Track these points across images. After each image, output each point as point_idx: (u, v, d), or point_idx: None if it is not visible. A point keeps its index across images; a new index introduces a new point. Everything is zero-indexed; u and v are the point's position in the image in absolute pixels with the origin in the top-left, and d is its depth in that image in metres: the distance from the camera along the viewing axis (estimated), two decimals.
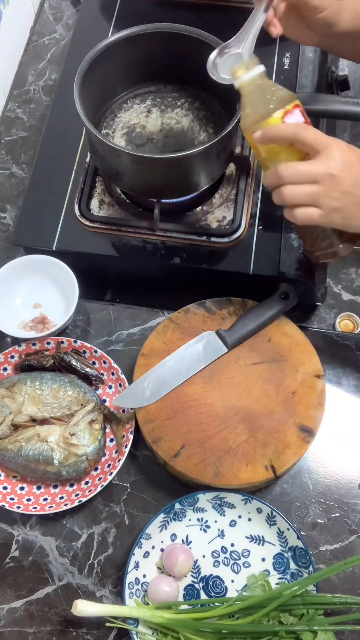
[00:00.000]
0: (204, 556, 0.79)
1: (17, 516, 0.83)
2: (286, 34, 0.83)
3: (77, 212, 0.96)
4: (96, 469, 0.84)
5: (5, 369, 0.90)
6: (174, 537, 0.80)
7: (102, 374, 0.89)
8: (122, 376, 0.87)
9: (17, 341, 0.91)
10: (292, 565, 0.78)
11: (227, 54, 0.79)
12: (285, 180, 0.68)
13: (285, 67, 1.06)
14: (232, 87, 0.75)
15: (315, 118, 0.89)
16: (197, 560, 0.79)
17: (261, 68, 0.74)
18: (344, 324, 0.99)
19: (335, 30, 0.81)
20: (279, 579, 0.77)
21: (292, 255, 0.91)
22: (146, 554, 0.78)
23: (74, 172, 1.00)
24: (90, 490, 0.81)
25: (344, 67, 1.23)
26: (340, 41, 0.84)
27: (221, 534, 0.80)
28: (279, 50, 1.07)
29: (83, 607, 0.72)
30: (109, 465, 0.83)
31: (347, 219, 0.69)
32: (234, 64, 0.75)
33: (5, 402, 0.84)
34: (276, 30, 0.80)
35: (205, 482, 0.78)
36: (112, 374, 0.88)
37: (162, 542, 0.79)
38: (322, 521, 0.82)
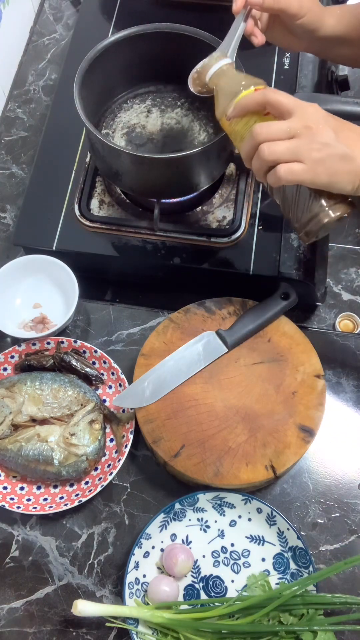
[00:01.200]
0: (204, 556, 0.79)
1: (17, 516, 0.83)
2: (272, 41, 0.84)
3: (77, 212, 0.96)
4: (96, 469, 0.84)
5: (5, 369, 0.90)
6: (174, 537, 0.80)
7: (102, 374, 0.89)
8: (122, 376, 0.87)
9: (17, 341, 0.91)
10: (292, 565, 0.78)
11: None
12: (261, 137, 0.66)
13: (285, 67, 1.06)
14: None
15: None
16: (197, 560, 0.79)
17: (229, 60, 0.77)
18: (344, 324, 0.99)
19: (319, 35, 0.82)
20: (279, 579, 0.77)
21: (292, 255, 0.91)
22: (146, 554, 0.78)
23: (74, 172, 1.00)
24: (90, 490, 0.81)
25: (344, 67, 1.23)
26: (326, 45, 0.85)
27: (221, 534, 0.80)
28: (279, 50, 1.07)
29: (83, 607, 0.72)
30: (109, 465, 0.83)
31: (332, 175, 0.65)
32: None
33: (5, 402, 0.84)
34: (257, 40, 0.81)
35: (205, 482, 0.78)
36: (112, 374, 0.88)
37: (162, 542, 0.79)
38: (322, 521, 0.82)
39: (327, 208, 0.69)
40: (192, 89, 0.82)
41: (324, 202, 0.69)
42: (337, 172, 0.65)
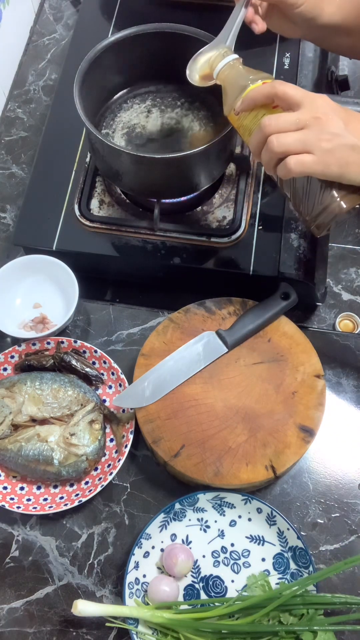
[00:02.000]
0: (204, 556, 0.79)
1: (17, 516, 0.83)
2: (271, 27, 0.84)
3: (77, 212, 0.96)
4: (96, 469, 0.84)
5: (5, 369, 0.90)
6: (174, 537, 0.80)
7: (102, 374, 0.89)
8: (122, 376, 0.87)
9: (17, 341, 0.91)
10: (292, 565, 0.78)
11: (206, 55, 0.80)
12: (270, 129, 0.66)
13: (285, 67, 1.06)
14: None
15: None
16: (197, 560, 0.79)
17: (236, 55, 0.76)
18: (344, 324, 0.99)
19: (318, 23, 0.81)
20: (279, 579, 0.77)
21: (292, 255, 0.91)
22: (146, 554, 0.78)
23: (74, 172, 1.00)
24: (90, 490, 0.81)
25: (344, 67, 1.23)
26: (325, 33, 0.84)
27: (221, 534, 0.80)
28: (279, 50, 1.07)
29: (83, 607, 0.72)
30: (109, 465, 0.83)
31: (342, 165, 0.65)
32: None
33: (5, 402, 0.84)
34: (258, 27, 0.82)
35: (205, 482, 0.78)
36: (112, 374, 0.88)
37: (162, 542, 0.79)
38: (322, 521, 0.82)
39: (338, 199, 0.68)
40: (190, 77, 0.82)
41: (335, 193, 0.68)
42: (347, 163, 0.65)
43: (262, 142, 0.67)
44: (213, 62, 0.78)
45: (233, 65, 0.76)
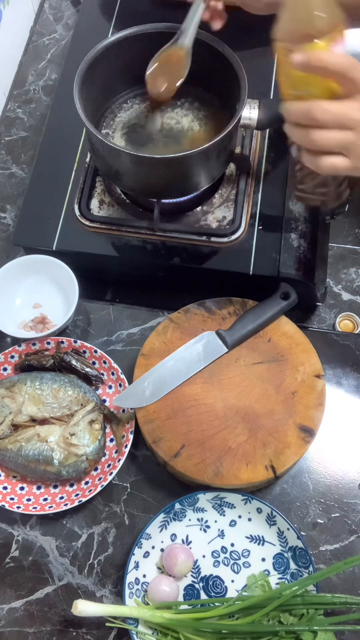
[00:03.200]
0: (204, 556, 0.79)
1: (17, 516, 0.83)
2: (242, 6, 0.82)
3: (77, 212, 0.96)
4: (96, 469, 0.84)
5: (5, 369, 0.90)
6: (174, 537, 0.80)
7: (102, 374, 0.89)
8: (122, 376, 0.87)
9: (17, 341, 0.91)
10: (292, 565, 0.78)
11: None
12: (317, 122, 0.62)
13: None
14: (232, 87, 0.75)
15: None
16: (197, 560, 0.79)
17: None
18: (344, 324, 0.99)
19: None
20: (279, 579, 0.77)
21: (292, 255, 0.91)
22: (146, 554, 0.78)
23: (74, 172, 1.00)
24: (90, 490, 0.81)
25: None
26: None
27: (221, 534, 0.80)
28: None
29: (83, 607, 0.72)
30: (109, 465, 0.83)
31: None
32: None
33: (5, 402, 0.84)
34: (215, 26, 0.82)
35: (205, 482, 0.78)
36: (112, 374, 0.88)
37: (162, 542, 0.79)
38: (322, 521, 0.82)
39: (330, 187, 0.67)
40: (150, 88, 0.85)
41: (342, 187, 0.68)
42: None
43: (303, 120, 0.63)
44: None
45: None
